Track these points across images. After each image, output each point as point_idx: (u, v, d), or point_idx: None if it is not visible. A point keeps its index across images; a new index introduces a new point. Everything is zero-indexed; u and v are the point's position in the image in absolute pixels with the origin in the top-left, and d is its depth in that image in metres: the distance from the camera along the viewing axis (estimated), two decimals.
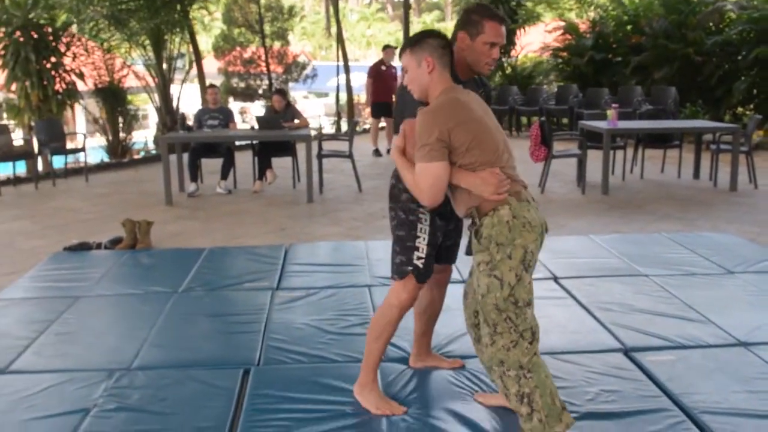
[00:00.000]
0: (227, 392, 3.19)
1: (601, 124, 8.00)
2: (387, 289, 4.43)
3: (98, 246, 5.75)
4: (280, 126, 8.03)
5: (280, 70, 15.26)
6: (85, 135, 9.40)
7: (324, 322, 4.01)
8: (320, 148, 8.20)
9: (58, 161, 9.37)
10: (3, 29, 9.66)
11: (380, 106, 10.51)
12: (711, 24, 12.83)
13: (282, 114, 8.32)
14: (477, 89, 2.89)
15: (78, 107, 10.66)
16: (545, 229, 2.62)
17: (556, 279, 4.71)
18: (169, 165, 7.54)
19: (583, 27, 14.75)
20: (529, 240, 2.50)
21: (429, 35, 2.68)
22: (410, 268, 2.87)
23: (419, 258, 2.86)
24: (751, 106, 12.97)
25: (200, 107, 8.80)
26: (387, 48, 10.65)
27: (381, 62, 10.48)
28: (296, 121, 8.31)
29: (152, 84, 12.34)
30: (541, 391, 2.52)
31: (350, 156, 8.21)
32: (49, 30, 9.98)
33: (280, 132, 8.00)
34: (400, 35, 38.64)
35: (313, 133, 8.60)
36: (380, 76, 10.36)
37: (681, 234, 5.88)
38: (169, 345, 3.74)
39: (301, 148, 8.69)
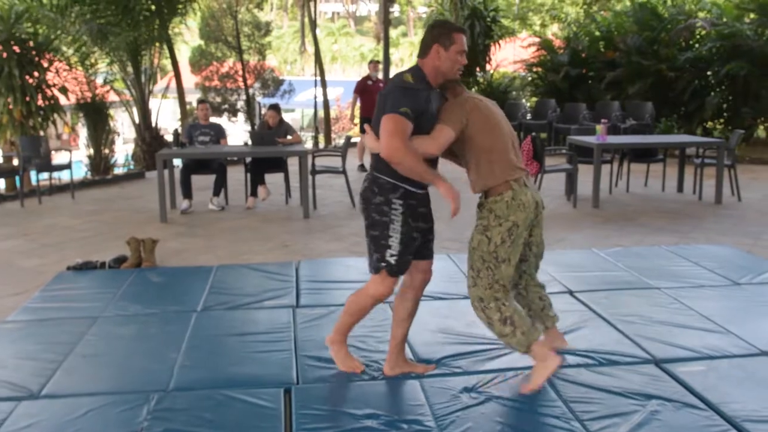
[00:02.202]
0: (273, 412, 3.19)
1: (590, 139, 8.16)
2: None
3: (102, 265, 5.67)
4: (274, 142, 8.02)
5: (256, 85, 15.21)
6: (70, 151, 9.24)
7: (353, 339, 3.99)
8: (313, 164, 8.20)
9: (35, 178, 9.20)
10: None
11: (369, 121, 10.49)
12: (682, 40, 13.18)
13: (275, 130, 8.30)
14: (442, 99, 3.33)
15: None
16: (541, 207, 3.32)
17: (571, 293, 4.78)
18: (164, 181, 7.47)
19: (557, 43, 15.03)
20: (520, 218, 3.18)
21: None
22: (384, 264, 3.24)
23: (392, 255, 3.22)
24: (722, 120, 13.36)
25: (190, 123, 8.73)
26: (372, 63, 10.68)
27: (367, 77, 10.50)
28: (289, 137, 8.31)
29: (130, 99, 12.24)
30: (518, 314, 3.23)
31: (344, 171, 8.23)
32: (32, 45, 9.82)
33: (274, 148, 7.99)
34: (365, 50, 38.96)
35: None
36: (367, 90, 10.37)
37: (680, 247, 6.03)
38: (201, 365, 3.72)
39: (292, 164, 8.69)
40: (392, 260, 3.23)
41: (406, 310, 3.47)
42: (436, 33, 3.17)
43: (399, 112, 3.06)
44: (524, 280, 3.52)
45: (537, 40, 15.21)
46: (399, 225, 3.19)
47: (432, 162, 3.26)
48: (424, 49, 3.21)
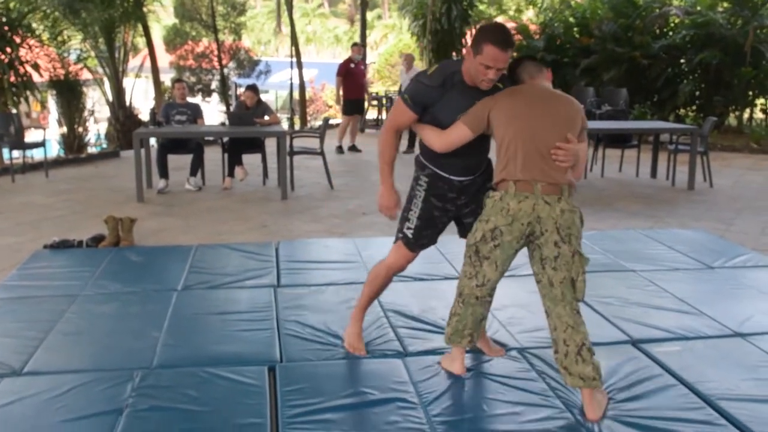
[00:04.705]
0: (258, 389, 3.20)
1: None
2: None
3: (79, 244, 5.62)
4: (252, 122, 7.98)
5: (231, 65, 15.09)
6: (44, 129, 9.10)
7: (335, 318, 4.03)
8: (291, 145, 8.18)
9: (7, 155, 9.05)
10: None
11: (353, 103, 10.46)
12: (656, 28, 13.32)
13: (253, 110, 8.26)
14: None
15: None
16: (555, 225, 2.96)
17: None
18: (141, 160, 7.41)
19: (533, 28, 15.10)
20: (500, 222, 3.02)
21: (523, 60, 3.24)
22: (401, 235, 3.36)
23: (409, 228, 3.33)
24: (694, 107, 13.55)
25: (167, 102, 8.65)
26: (355, 45, 10.65)
27: (350, 59, 10.47)
28: (267, 117, 8.27)
29: (103, 77, 12.08)
30: (459, 318, 3.24)
31: (322, 153, 8.22)
32: (5, 20, 9.63)
33: (252, 128, 7.95)
34: (340, 32, 38.68)
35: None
36: (350, 73, 10.34)
37: (655, 231, 6.13)
38: (184, 344, 3.72)
39: (269, 145, 8.65)
40: (408, 233, 3.33)
41: None
42: (474, 38, 3.03)
43: (402, 97, 3.22)
44: (546, 303, 3.07)
45: (513, 25, 15.25)
46: (420, 201, 3.30)
47: (477, 144, 3.18)
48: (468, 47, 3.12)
